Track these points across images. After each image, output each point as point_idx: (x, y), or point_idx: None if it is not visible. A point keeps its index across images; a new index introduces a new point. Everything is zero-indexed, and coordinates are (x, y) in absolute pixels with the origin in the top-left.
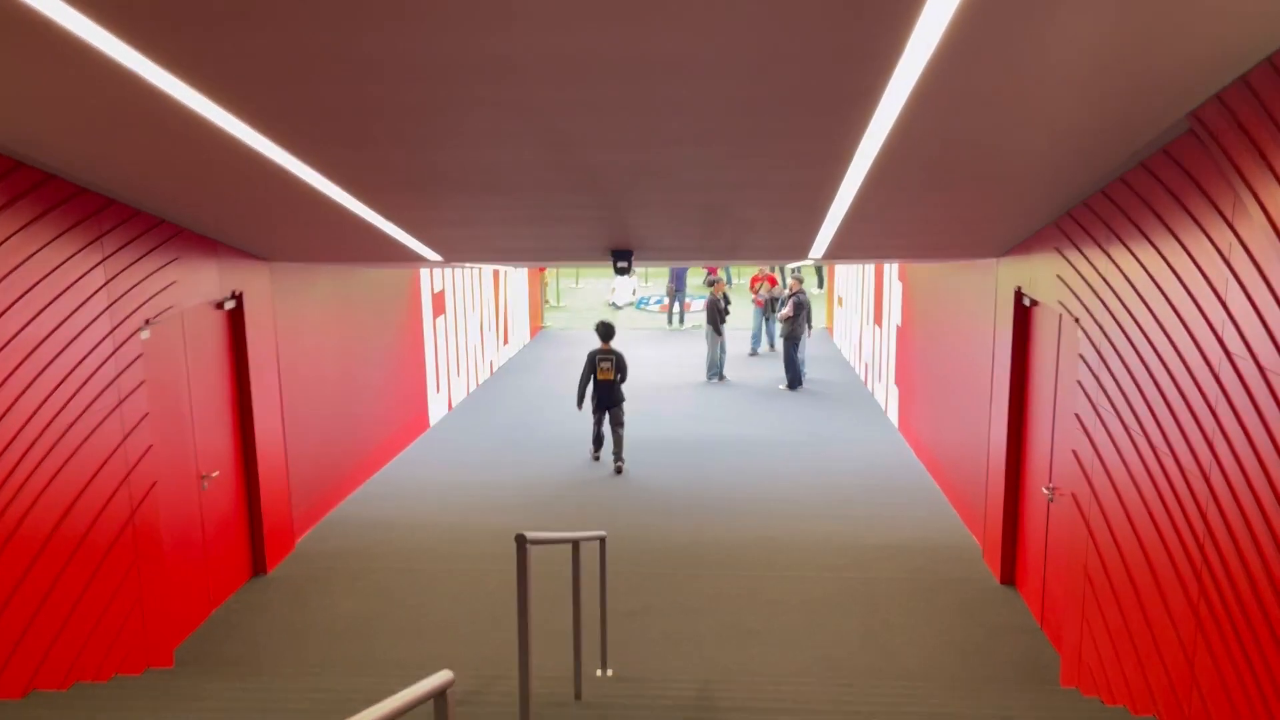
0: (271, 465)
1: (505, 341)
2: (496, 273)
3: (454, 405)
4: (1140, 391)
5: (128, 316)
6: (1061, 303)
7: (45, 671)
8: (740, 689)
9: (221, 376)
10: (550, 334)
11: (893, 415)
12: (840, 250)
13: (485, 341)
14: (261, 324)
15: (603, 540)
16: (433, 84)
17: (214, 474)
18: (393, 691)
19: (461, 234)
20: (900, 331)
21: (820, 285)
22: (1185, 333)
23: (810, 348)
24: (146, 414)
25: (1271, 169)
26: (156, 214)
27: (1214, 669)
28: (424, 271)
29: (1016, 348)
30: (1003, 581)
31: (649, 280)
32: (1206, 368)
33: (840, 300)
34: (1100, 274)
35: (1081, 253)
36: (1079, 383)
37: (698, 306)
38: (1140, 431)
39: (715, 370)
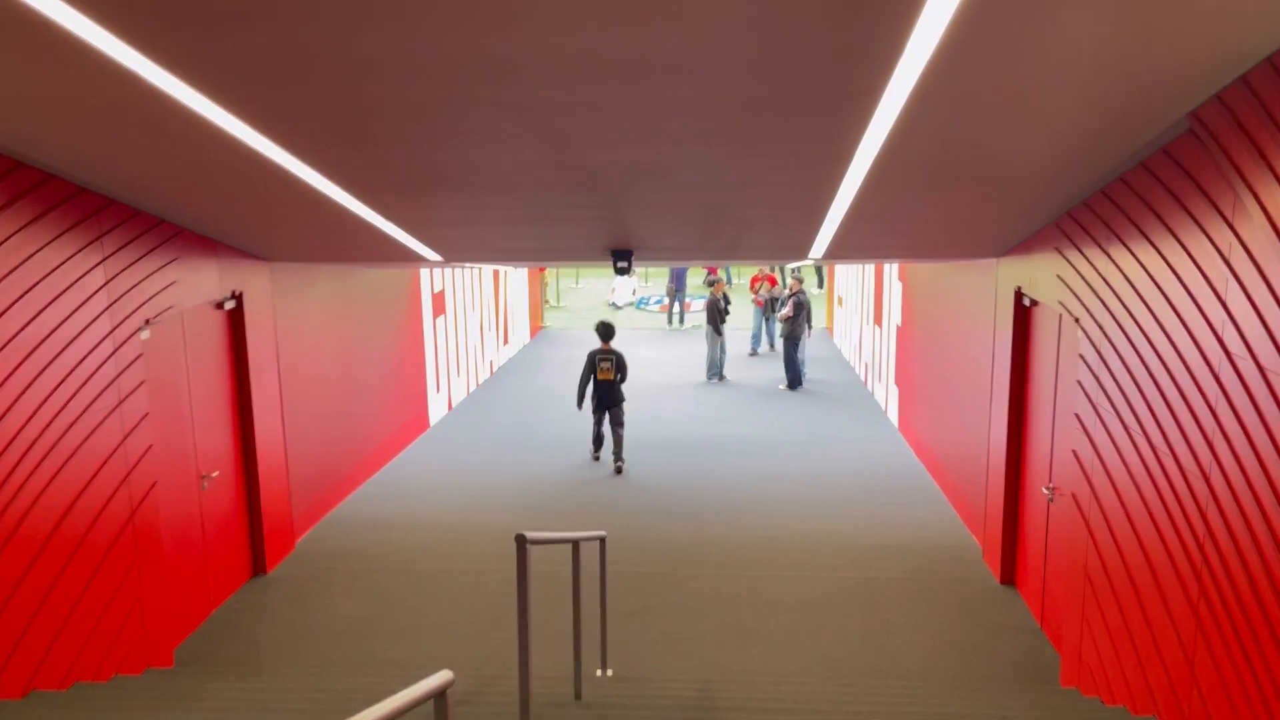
0: (271, 465)
1: (505, 341)
2: (496, 273)
3: (454, 405)
4: (1140, 391)
5: (128, 316)
6: (1061, 303)
7: (45, 671)
8: (740, 689)
9: (221, 376)
10: (550, 334)
11: (893, 415)
12: (840, 250)
13: (485, 341)
14: (261, 324)
15: (603, 540)
16: (433, 84)
17: (214, 474)
18: (393, 691)
19: (461, 234)
20: (900, 331)
21: (820, 285)
22: (1185, 333)
23: (810, 348)
24: (146, 414)
25: (1271, 169)
26: (156, 214)
27: (1214, 669)
28: (424, 271)
29: (1016, 348)
30: (1003, 581)
31: (649, 280)
32: (1206, 368)
33: (840, 300)
34: (1100, 274)
35: (1081, 253)
36: (1079, 383)
37: (698, 306)
38: (1140, 431)
39: (715, 370)
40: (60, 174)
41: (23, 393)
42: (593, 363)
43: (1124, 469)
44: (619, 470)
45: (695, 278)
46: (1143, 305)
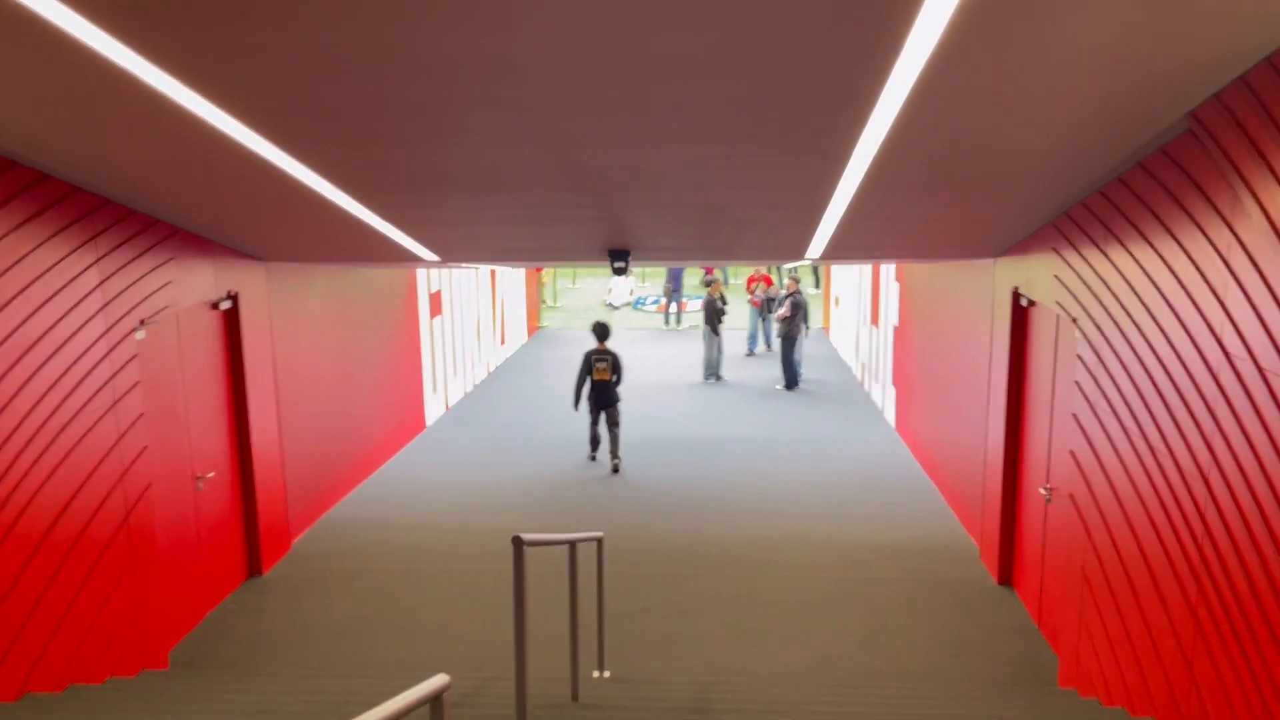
0: (267, 466)
1: (502, 342)
2: (494, 273)
3: (451, 406)
4: (1138, 392)
5: (122, 317)
6: (1059, 303)
7: (39, 674)
8: (738, 690)
9: (217, 377)
10: (547, 334)
11: (890, 415)
12: (838, 250)
13: (482, 342)
14: (257, 324)
15: (600, 541)
16: (430, 83)
17: (209, 475)
18: (390, 693)
19: (458, 234)
20: (897, 332)
21: (817, 285)
22: (1184, 333)
23: (807, 348)
24: (141, 415)
25: (1271, 169)
26: (152, 214)
27: (1213, 671)
28: (421, 272)
29: (1014, 348)
30: (1000, 582)
31: (646, 280)
32: (1205, 369)
33: (837, 300)
34: (1098, 274)
35: (1079, 253)
36: (1077, 383)
37: (694, 307)
38: (1139, 432)
39: (712, 370)
40: (54, 173)
41: (17, 393)
42: (589, 363)
43: (1122, 470)
44: (616, 469)
45: (692, 278)
46: (1141, 306)
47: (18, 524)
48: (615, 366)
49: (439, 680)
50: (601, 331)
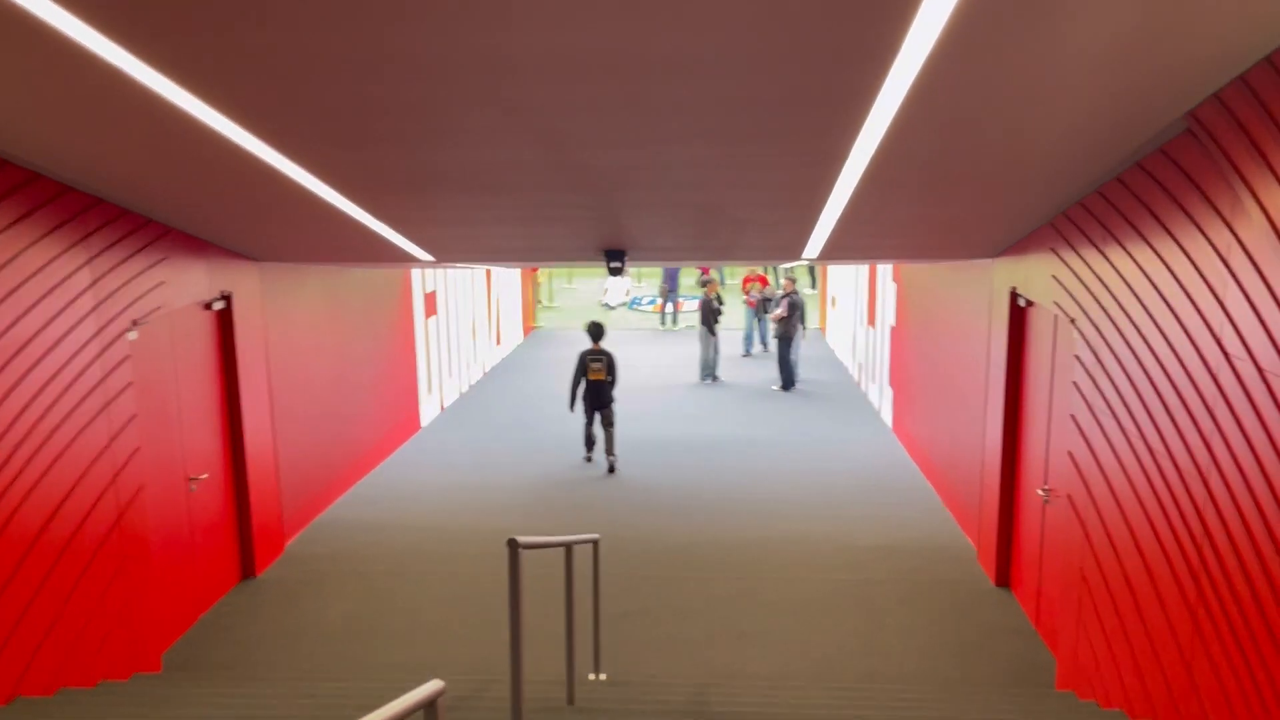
0: (261, 467)
1: (498, 342)
2: (489, 273)
3: (446, 406)
4: (1137, 393)
5: (115, 317)
6: (1057, 303)
7: (30, 677)
8: (735, 692)
9: (210, 378)
10: (543, 334)
11: (886, 416)
12: (835, 251)
13: (478, 342)
14: (251, 325)
15: (596, 543)
16: (426, 83)
17: (202, 476)
18: (384, 696)
19: (454, 234)
20: (894, 332)
21: (813, 286)
22: (1183, 334)
23: (803, 348)
24: (134, 416)
25: (1271, 169)
26: (144, 213)
27: (1212, 674)
28: (416, 272)
29: (1012, 349)
30: (997, 584)
31: (642, 280)
32: (1204, 369)
33: (834, 301)
34: (1096, 275)
35: (1077, 253)
36: (1075, 384)
37: (691, 307)
38: (1137, 433)
39: (709, 371)
40: (46, 173)
41: (7, 395)
42: (584, 363)
43: (1121, 471)
44: (612, 468)
45: (688, 278)
46: (1140, 306)
47: (9, 526)
48: (610, 367)
49: (433, 686)
50: (596, 331)
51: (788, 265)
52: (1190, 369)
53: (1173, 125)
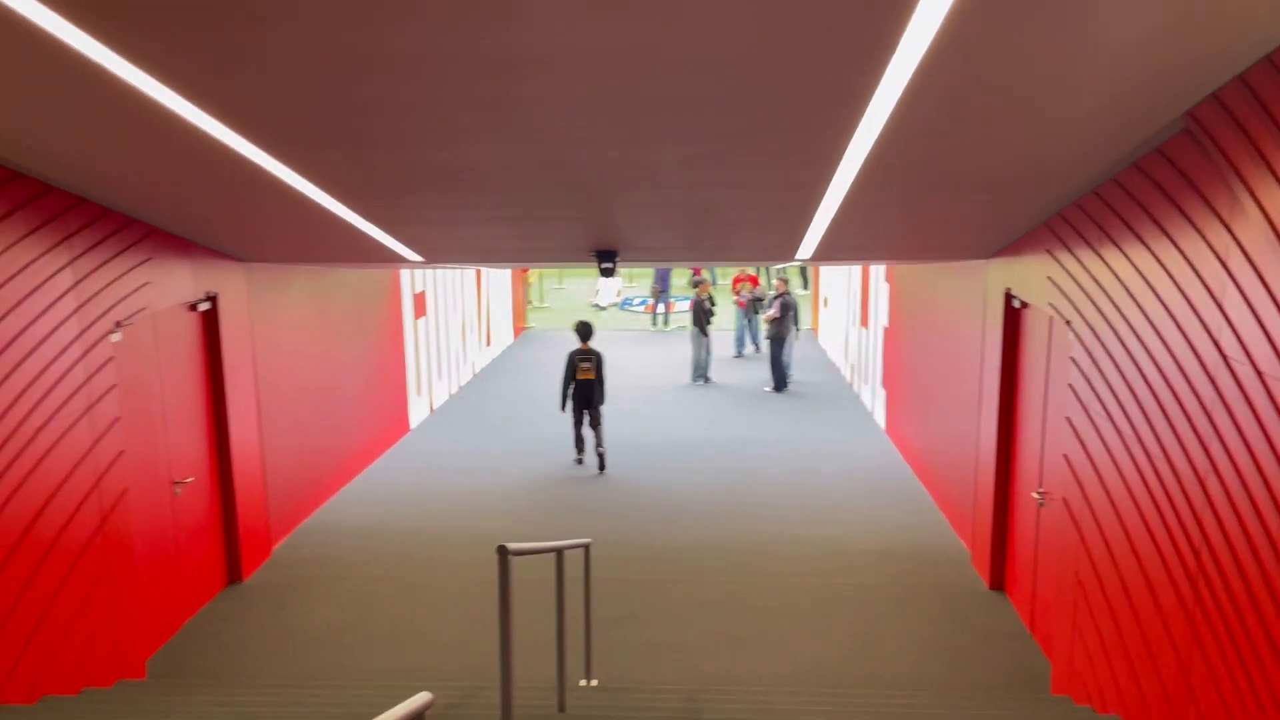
0: (247, 470)
1: (488, 343)
2: (479, 273)
3: (435, 408)
4: (1134, 395)
5: (98, 319)
6: (1052, 305)
7: (11, 685)
8: (728, 698)
9: (195, 380)
10: (533, 335)
11: (879, 418)
12: (828, 251)
13: (467, 343)
14: (237, 326)
15: (587, 548)
16: (415, 82)
17: (188, 480)
18: (373, 704)
19: (443, 234)
20: (887, 333)
21: (805, 286)
22: (1180, 336)
23: (796, 350)
24: (117, 419)
25: (1270, 169)
26: (128, 213)
27: (1210, 679)
28: (404, 272)
29: (1006, 350)
30: (991, 587)
31: (633, 281)
32: (1202, 372)
33: (826, 301)
34: (1092, 276)
35: (1073, 254)
36: (1070, 386)
37: (682, 308)
38: (1134, 436)
39: (700, 372)
40: (27, 172)
41: None
42: (573, 363)
43: (1117, 474)
44: (601, 460)
45: (680, 278)
46: (1136, 308)
47: None
48: (599, 366)
49: (421, 699)
50: (584, 331)
51: (780, 266)
52: (1188, 372)
53: (1170, 125)
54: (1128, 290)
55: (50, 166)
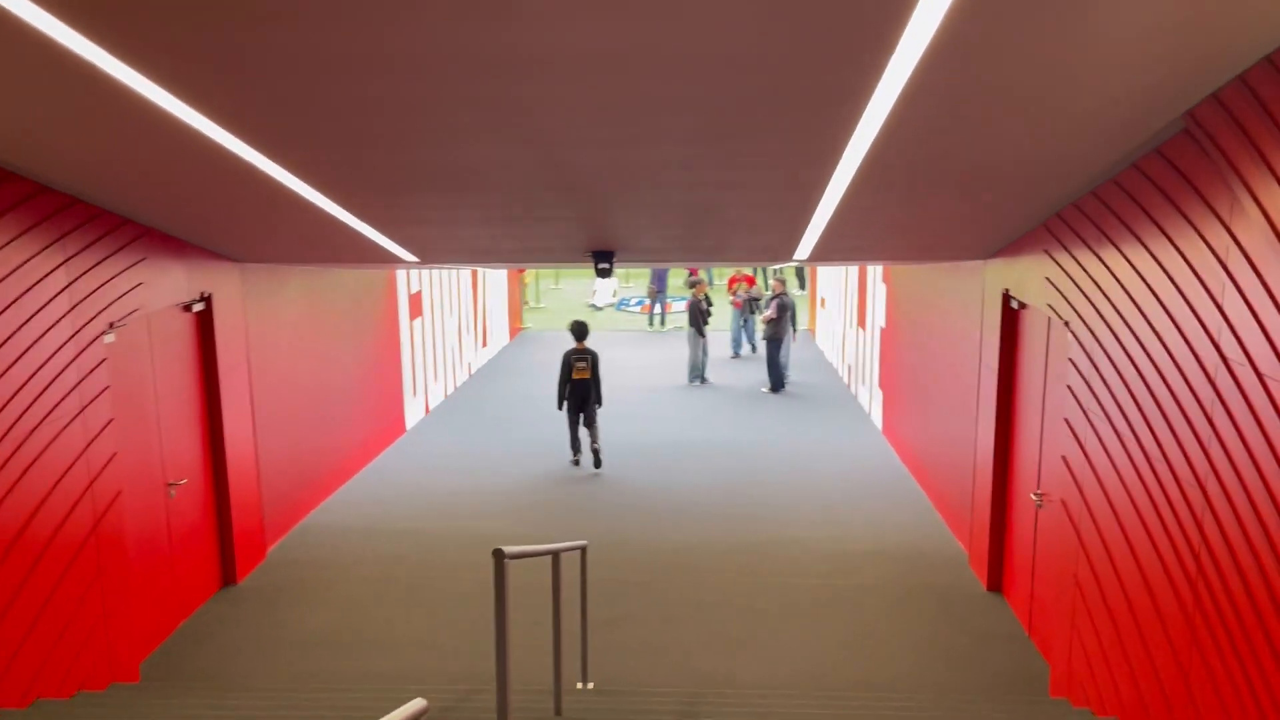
0: (242, 472)
1: (484, 343)
2: (475, 273)
3: (431, 409)
4: (1133, 397)
5: (91, 319)
6: (1051, 306)
7: (4, 688)
8: (724, 700)
9: (190, 381)
10: (530, 335)
11: (877, 419)
12: (826, 252)
13: (463, 343)
14: (232, 327)
15: (583, 550)
16: (412, 81)
17: (182, 481)
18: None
19: (439, 235)
20: (885, 334)
21: (802, 287)
22: (1180, 338)
23: (793, 350)
24: (111, 420)
25: (1271, 169)
26: (122, 214)
27: (1209, 682)
28: (400, 272)
29: (1004, 351)
30: (989, 588)
31: (630, 281)
32: (1202, 374)
33: (823, 302)
34: (1091, 277)
35: (1072, 255)
36: (1069, 387)
37: (679, 308)
38: (1133, 438)
39: (697, 373)
40: (20, 172)
41: None
42: (568, 363)
43: (1116, 476)
44: (597, 457)
45: (676, 279)
46: (1135, 309)
47: None
48: (594, 365)
49: (416, 705)
50: (580, 330)
51: (777, 266)
52: (1187, 373)
53: (1170, 125)
54: (1127, 291)
55: (44, 166)
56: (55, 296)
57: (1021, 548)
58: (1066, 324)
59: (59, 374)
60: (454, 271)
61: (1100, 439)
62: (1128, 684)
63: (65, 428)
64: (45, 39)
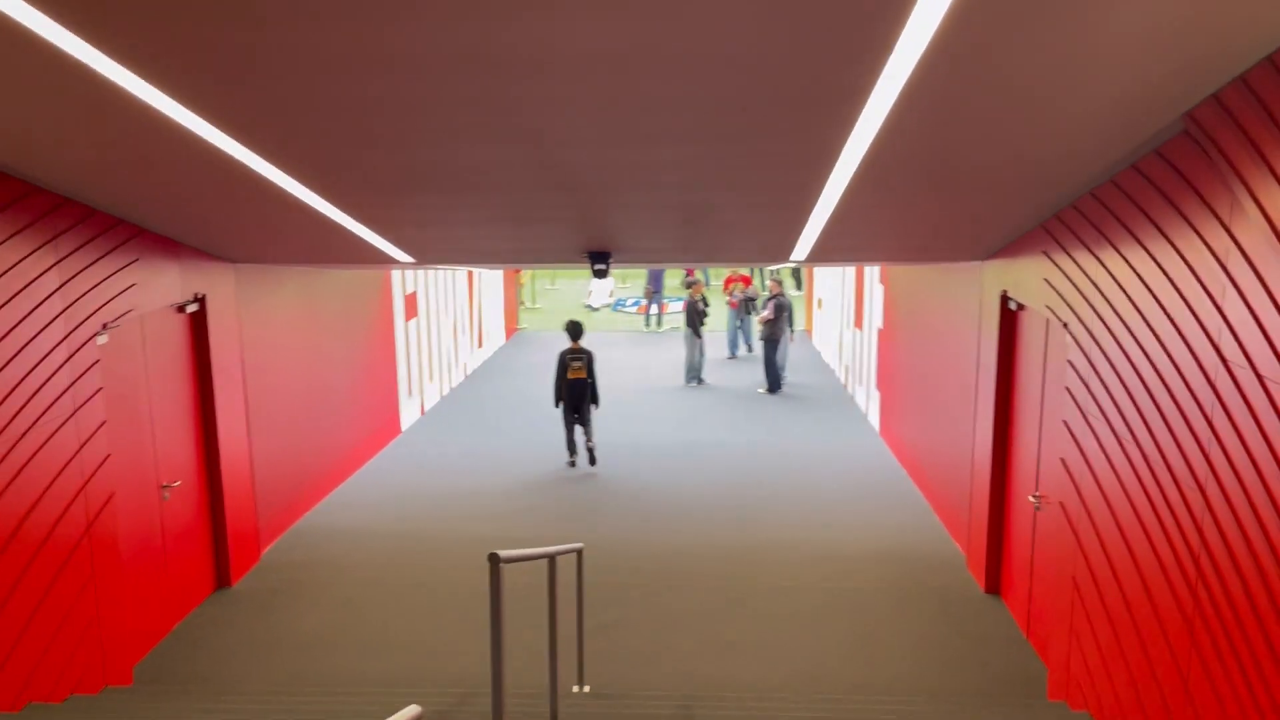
0: (236, 474)
1: (480, 344)
2: (471, 274)
3: (426, 410)
4: (1132, 399)
5: (84, 321)
6: (1049, 307)
7: None
8: (721, 704)
9: (183, 382)
10: (526, 336)
11: (874, 420)
12: (823, 252)
13: (459, 344)
14: (226, 327)
15: (579, 552)
16: (408, 81)
17: (175, 483)
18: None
19: (434, 236)
20: (882, 335)
21: (799, 287)
22: (1179, 339)
23: (791, 351)
24: (104, 422)
25: (1271, 170)
26: (115, 214)
27: (1208, 685)
28: (396, 273)
29: (1002, 352)
30: (987, 591)
31: (626, 282)
32: (1202, 376)
33: (820, 302)
34: (1090, 278)
35: (1070, 256)
36: (1067, 389)
37: (675, 308)
38: (1132, 440)
39: (694, 374)
40: (12, 172)
41: None
42: (564, 362)
43: (1115, 479)
44: (591, 453)
45: (673, 279)
46: (1135, 311)
47: None
48: (590, 365)
49: (410, 712)
50: (575, 330)
51: (774, 267)
52: (1187, 375)
53: (1170, 126)
54: (1126, 293)
55: (36, 166)
56: (48, 298)
57: (1019, 550)
58: (1065, 325)
59: (52, 376)
60: (450, 272)
61: (1099, 441)
62: (1126, 687)
63: (58, 430)
64: (38, 39)
